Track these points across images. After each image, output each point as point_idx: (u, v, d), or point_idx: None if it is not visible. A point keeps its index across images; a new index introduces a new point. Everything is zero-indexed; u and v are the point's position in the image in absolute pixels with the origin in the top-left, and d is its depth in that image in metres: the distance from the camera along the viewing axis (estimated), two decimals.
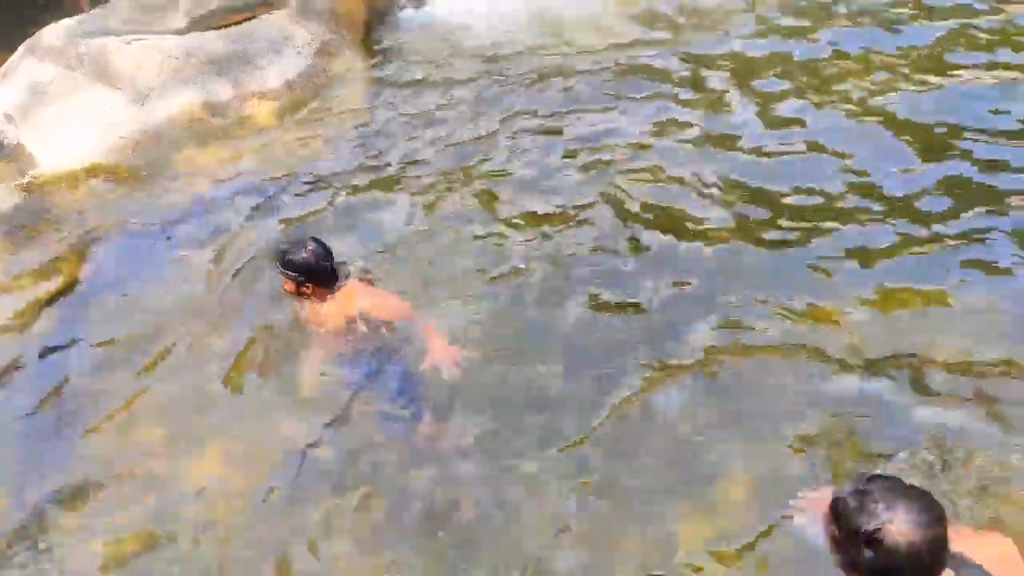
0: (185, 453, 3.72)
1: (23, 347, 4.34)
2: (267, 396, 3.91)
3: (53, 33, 6.00)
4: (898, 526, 1.91)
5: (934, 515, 1.95)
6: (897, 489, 2.00)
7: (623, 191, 4.91)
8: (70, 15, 6.28)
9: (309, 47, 6.27)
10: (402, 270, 4.50)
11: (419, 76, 6.30)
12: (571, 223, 4.73)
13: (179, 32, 6.04)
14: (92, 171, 5.47)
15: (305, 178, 5.36)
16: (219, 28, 6.12)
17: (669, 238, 4.55)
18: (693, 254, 4.45)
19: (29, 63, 5.88)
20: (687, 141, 5.28)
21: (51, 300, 4.63)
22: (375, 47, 6.69)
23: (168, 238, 4.99)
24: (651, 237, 4.60)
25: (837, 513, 2.03)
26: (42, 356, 4.28)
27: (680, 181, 4.94)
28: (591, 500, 3.35)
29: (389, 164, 5.41)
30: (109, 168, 5.50)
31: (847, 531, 1.99)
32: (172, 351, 4.18)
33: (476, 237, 4.71)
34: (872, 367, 3.67)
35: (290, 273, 3.73)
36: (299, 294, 3.79)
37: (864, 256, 4.29)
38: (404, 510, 3.41)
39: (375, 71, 6.44)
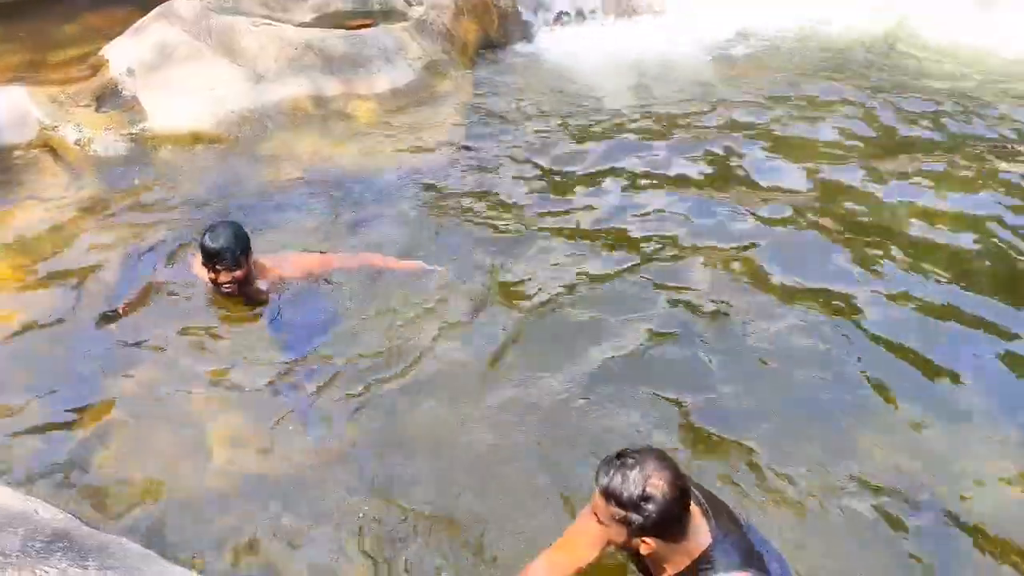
0: None
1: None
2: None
3: (187, 3, 6.38)
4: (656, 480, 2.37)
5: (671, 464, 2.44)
6: (640, 454, 2.44)
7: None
8: None
9: (419, 61, 6.54)
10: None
11: (512, 107, 6.53)
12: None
13: (303, 25, 6.36)
14: (196, 137, 5.79)
15: (389, 179, 5.53)
16: (341, 29, 6.44)
17: None
18: None
19: (160, 26, 6.25)
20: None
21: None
22: (480, 73, 6.95)
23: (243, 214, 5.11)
24: None
25: (608, 496, 2.40)
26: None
27: None
28: None
29: (463, 182, 5.57)
30: (213, 137, 5.81)
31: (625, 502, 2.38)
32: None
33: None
34: None
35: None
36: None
37: None
38: None
39: (475, 95, 6.67)
